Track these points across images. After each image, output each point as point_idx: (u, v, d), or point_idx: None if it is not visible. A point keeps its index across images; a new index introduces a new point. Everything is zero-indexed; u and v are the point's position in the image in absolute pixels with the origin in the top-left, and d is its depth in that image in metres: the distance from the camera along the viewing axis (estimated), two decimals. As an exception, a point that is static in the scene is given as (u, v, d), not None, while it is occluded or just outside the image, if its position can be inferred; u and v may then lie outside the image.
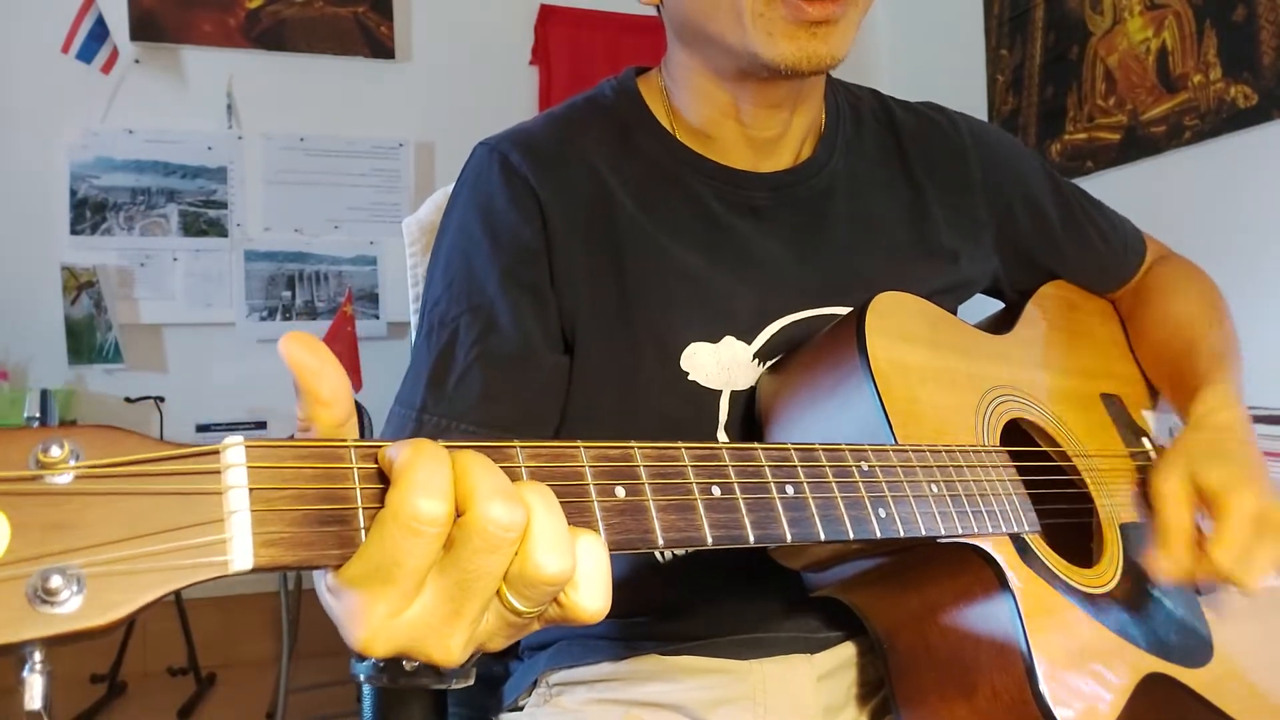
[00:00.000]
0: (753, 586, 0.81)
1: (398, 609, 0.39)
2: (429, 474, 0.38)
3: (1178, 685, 0.74)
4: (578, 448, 0.46)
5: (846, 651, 0.84)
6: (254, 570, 0.35)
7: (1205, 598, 0.83)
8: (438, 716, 0.91)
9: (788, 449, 0.54)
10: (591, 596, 0.42)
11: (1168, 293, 1.01)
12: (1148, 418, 0.96)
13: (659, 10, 0.85)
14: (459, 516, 0.39)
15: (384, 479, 0.40)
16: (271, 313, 3.41)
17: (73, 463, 0.33)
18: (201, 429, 3.17)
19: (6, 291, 3.13)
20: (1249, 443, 0.81)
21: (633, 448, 0.47)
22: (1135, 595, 0.77)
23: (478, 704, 0.95)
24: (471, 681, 0.45)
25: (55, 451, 0.32)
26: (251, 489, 0.36)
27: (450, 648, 0.41)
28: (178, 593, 0.32)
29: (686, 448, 0.49)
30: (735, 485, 0.50)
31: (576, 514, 0.43)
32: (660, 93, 0.88)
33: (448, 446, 0.40)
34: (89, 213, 3.25)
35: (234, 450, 0.36)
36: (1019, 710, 0.65)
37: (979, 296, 0.98)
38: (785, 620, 0.82)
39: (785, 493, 0.52)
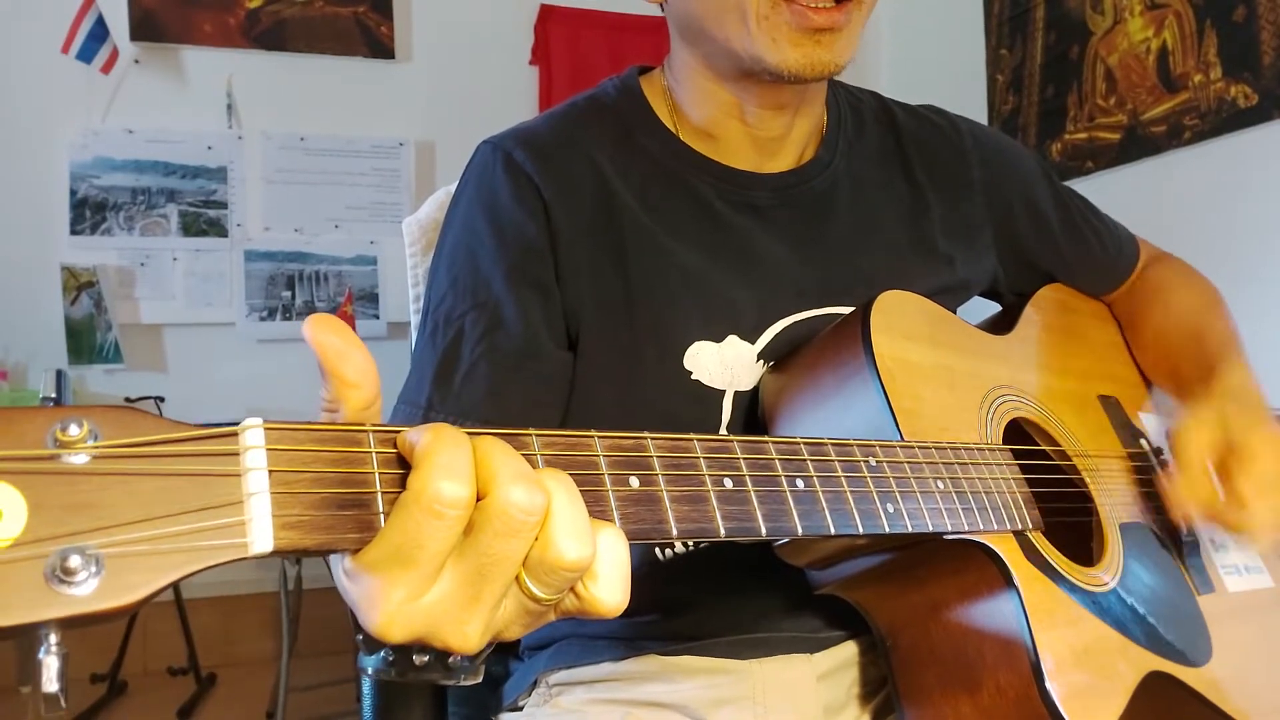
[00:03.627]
0: (752, 586, 0.81)
1: (416, 593, 0.39)
2: (451, 457, 0.38)
3: (1178, 684, 0.74)
4: (592, 437, 0.46)
5: (847, 651, 0.84)
6: (274, 553, 0.35)
7: (1204, 596, 0.84)
8: (438, 716, 0.91)
9: (797, 443, 0.55)
10: (610, 590, 0.42)
11: (1167, 290, 1.02)
12: (1144, 419, 0.96)
13: (663, 9, 0.86)
14: (479, 500, 0.39)
15: (403, 464, 0.39)
16: (271, 313, 3.41)
17: (91, 442, 0.32)
18: (202, 429, 3.17)
19: (6, 291, 3.13)
20: (1272, 411, 0.82)
21: (646, 438, 0.47)
22: (1136, 594, 0.77)
23: (478, 703, 0.94)
24: (480, 679, 0.45)
25: (74, 430, 0.32)
26: (271, 471, 0.36)
27: (467, 634, 0.40)
28: (178, 592, 0.32)
29: (699, 439, 0.50)
30: (747, 478, 0.50)
31: (592, 503, 0.43)
32: (663, 92, 0.88)
33: (468, 432, 0.40)
34: (89, 213, 3.24)
35: (253, 432, 0.36)
36: (1024, 707, 0.65)
37: (976, 299, 0.99)
38: (785, 620, 0.82)
39: (796, 486, 0.52)
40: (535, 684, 0.87)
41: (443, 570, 0.39)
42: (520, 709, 0.87)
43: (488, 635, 0.41)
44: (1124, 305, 1.05)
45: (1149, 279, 1.05)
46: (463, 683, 0.44)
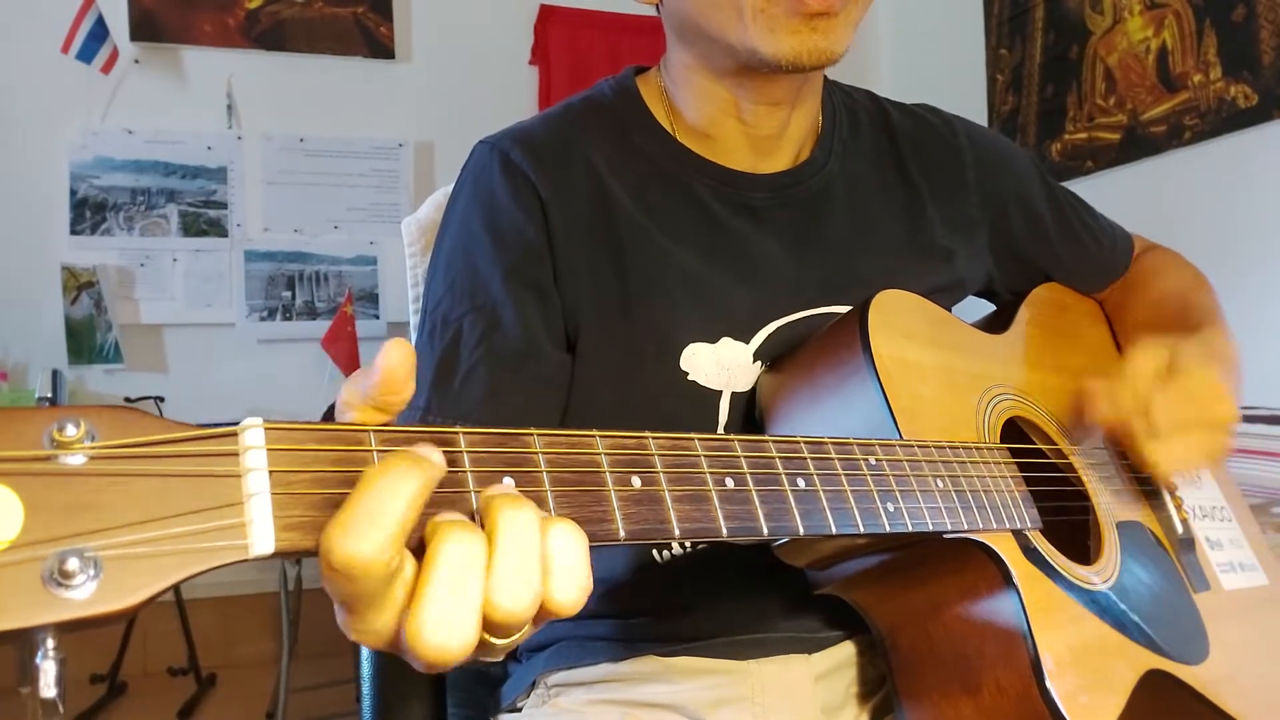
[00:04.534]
0: (751, 587, 0.81)
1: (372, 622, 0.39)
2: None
3: (1176, 682, 0.74)
4: (594, 437, 0.45)
5: (845, 651, 0.84)
6: (274, 555, 0.35)
7: (1200, 594, 0.84)
8: (437, 717, 0.91)
9: (798, 442, 0.55)
10: (565, 590, 0.40)
11: (1155, 276, 1.03)
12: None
13: (658, 10, 0.85)
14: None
15: None
16: (271, 313, 3.41)
17: (88, 443, 0.32)
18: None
19: (6, 291, 3.13)
20: (1235, 364, 0.84)
21: (647, 438, 0.47)
22: (1134, 593, 0.77)
23: (477, 704, 0.95)
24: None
25: (71, 431, 0.32)
26: (271, 471, 0.35)
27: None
28: (179, 592, 0.32)
29: (700, 439, 0.49)
30: (748, 477, 0.50)
31: (594, 503, 0.43)
32: (660, 92, 0.88)
33: (465, 432, 0.40)
34: (89, 213, 3.24)
35: (253, 432, 0.36)
36: (1024, 706, 0.65)
37: (973, 299, 0.99)
38: (783, 620, 0.82)
39: (797, 485, 0.52)
40: (534, 685, 0.87)
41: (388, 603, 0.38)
42: (519, 710, 0.87)
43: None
44: (1114, 296, 1.06)
45: (1138, 268, 1.06)
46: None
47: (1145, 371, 0.77)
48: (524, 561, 0.38)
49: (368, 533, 0.34)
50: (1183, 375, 0.77)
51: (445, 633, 0.36)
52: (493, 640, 0.39)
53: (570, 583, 0.39)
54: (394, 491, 0.35)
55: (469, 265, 0.80)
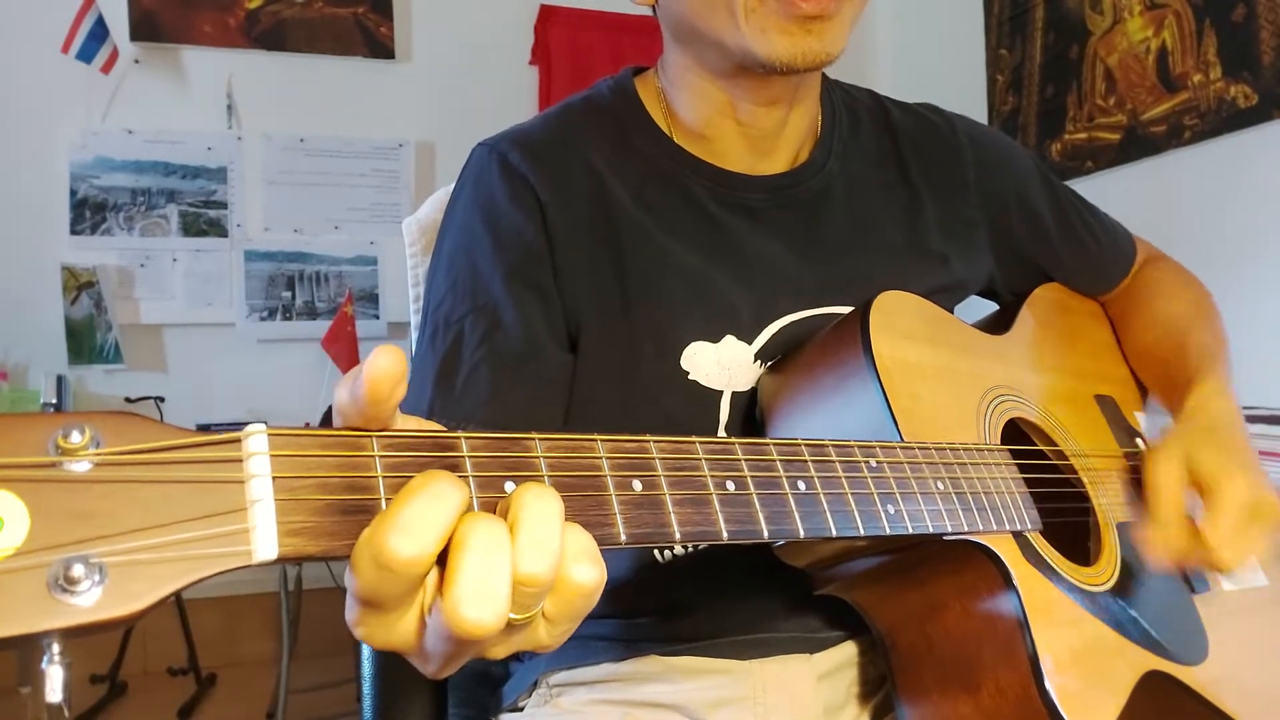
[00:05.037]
0: (752, 587, 0.81)
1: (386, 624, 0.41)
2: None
3: (1175, 683, 0.74)
4: (594, 440, 0.45)
5: (846, 651, 0.84)
6: (277, 560, 0.35)
7: (1199, 595, 0.84)
8: (437, 716, 0.91)
9: (798, 444, 0.55)
10: (583, 571, 0.41)
11: (1156, 295, 1.02)
12: (1140, 419, 0.96)
13: (654, 11, 0.86)
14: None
15: (406, 469, 0.39)
16: (271, 313, 3.41)
17: (93, 449, 0.32)
18: (202, 429, 3.16)
19: (6, 291, 3.13)
20: (1241, 432, 0.82)
21: (648, 441, 0.47)
22: (1133, 594, 0.77)
23: (478, 704, 0.95)
24: None
25: (76, 437, 0.32)
26: (274, 478, 0.35)
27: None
28: (179, 591, 0.32)
29: (700, 442, 0.49)
30: (749, 480, 0.50)
31: (595, 507, 0.43)
32: (657, 93, 0.88)
33: (466, 436, 0.40)
34: (89, 213, 3.24)
35: (256, 438, 0.36)
36: (1023, 707, 0.65)
37: (975, 299, 0.99)
38: (785, 620, 0.82)
39: (797, 488, 0.52)
40: (536, 684, 0.87)
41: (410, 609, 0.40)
42: (520, 709, 0.87)
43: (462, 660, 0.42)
44: (1117, 306, 1.05)
45: (1141, 282, 1.05)
46: None
47: (1177, 500, 0.77)
48: (546, 527, 0.39)
49: (418, 532, 0.36)
50: (1216, 510, 0.76)
51: (482, 603, 0.37)
52: (514, 618, 0.39)
53: (586, 559, 0.41)
54: (442, 496, 0.37)
55: (470, 266, 0.80)
